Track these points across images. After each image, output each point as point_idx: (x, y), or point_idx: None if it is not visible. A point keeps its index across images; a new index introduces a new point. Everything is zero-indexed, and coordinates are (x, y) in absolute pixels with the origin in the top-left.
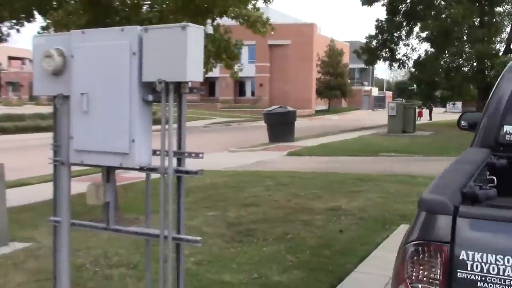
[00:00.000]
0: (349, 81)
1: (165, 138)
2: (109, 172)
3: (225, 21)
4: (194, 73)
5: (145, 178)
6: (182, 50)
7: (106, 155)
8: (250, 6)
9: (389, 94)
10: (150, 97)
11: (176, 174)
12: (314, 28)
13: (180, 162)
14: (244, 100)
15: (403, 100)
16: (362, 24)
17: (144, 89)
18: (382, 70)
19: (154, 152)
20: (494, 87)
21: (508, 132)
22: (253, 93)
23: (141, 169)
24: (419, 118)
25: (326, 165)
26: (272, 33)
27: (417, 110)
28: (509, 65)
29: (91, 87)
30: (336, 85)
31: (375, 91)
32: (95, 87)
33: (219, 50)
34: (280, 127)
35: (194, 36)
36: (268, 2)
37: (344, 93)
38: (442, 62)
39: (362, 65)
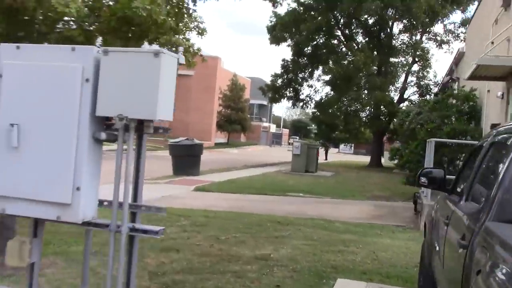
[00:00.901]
0: (249, 116)
1: (119, 187)
2: (37, 225)
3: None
4: (166, 110)
5: (84, 235)
6: (153, 81)
7: (38, 204)
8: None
9: (285, 131)
10: (103, 135)
11: (130, 233)
12: (218, 62)
13: (135, 217)
14: None
15: (299, 138)
16: (263, 61)
17: (96, 125)
18: (279, 108)
19: (101, 203)
20: (509, 159)
21: None
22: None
23: (85, 224)
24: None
25: (237, 203)
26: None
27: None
28: None
29: (25, 117)
30: (236, 119)
31: (273, 128)
32: (30, 118)
33: None
34: (186, 160)
35: (168, 65)
36: (203, 35)
37: (244, 127)
38: (342, 105)
39: (262, 101)
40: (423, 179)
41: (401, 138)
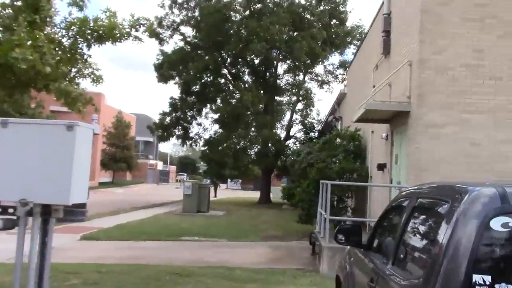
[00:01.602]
0: (135, 153)
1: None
2: None
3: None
4: (81, 190)
5: None
6: (66, 159)
7: None
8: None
9: (172, 168)
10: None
11: None
12: (101, 98)
13: None
14: None
15: (186, 175)
16: (149, 98)
17: None
18: (165, 144)
19: None
20: (450, 229)
21: (477, 282)
22: None
23: None
24: None
25: (132, 253)
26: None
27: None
28: (461, 210)
29: None
30: (122, 158)
31: (160, 165)
32: None
33: None
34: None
35: (84, 138)
36: (98, 83)
37: (130, 166)
38: (231, 143)
39: (147, 138)
40: (340, 236)
41: (293, 177)
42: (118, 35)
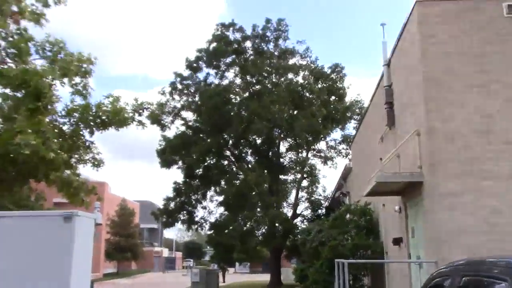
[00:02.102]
0: (139, 241)
1: None
2: None
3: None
4: None
5: None
6: (63, 255)
7: None
8: (68, 171)
9: (178, 254)
10: None
11: None
12: (105, 187)
13: None
14: None
15: (193, 261)
16: (152, 185)
17: None
18: (170, 230)
19: None
20: None
21: None
22: None
23: None
24: None
25: None
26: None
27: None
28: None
29: None
30: (126, 246)
31: (165, 252)
32: None
33: None
34: None
35: (84, 230)
36: (99, 167)
37: (135, 254)
38: (237, 225)
39: (152, 225)
40: None
41: (304, 257)
42: (122, 120)
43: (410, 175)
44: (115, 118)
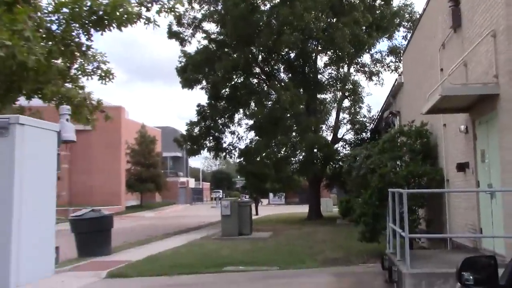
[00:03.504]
0: (162, 171)
1: None
2: None
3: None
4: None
5: None
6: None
7: None
8: (71, 84)
9: (206, 185)
10: None
11: None
12: (121, 112)
13: None
14: None
15: (222, 192)
16: (174, 109)
17: None
18: (196, 158)
19: None
20: None
21: None
22: None
23: None
24: None
25: None
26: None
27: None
28: None
29: None
30: (148, 177)
31: (191, 183)
32: None
33: None
34: (93, 236)
35: (37, 148)
36: (109, 79)
37: (158, 186)
38: (270, 152)
39: (176, 153)
40: (467, 275)
41: (350, 186)
42: (125, 16)
43: (484, 86)
44: (115, 13)
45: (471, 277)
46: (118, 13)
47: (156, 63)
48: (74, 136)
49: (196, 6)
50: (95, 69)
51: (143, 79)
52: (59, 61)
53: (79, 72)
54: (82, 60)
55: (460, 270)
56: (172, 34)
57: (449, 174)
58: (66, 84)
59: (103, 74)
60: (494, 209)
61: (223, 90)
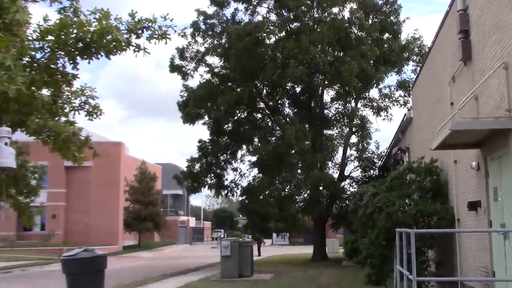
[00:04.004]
0: (162, 210)
1: None
2: None
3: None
4: None
5: None
6: None
7: None
8: (62, 118)
9: (207, 224)
10: None
11: None
12: (121, 148)
13: None
14: (31, 236)
15: (224, 232)
16: (175, 145)
17: None
18: (197, 196)
19: None
20: None
21: None
22: (43, 227)
23: None
24: None
25: None
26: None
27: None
28: None
29: None
30: (147, 216)
31: (192, 222)
32: None
33: (7, 181)
34: (85, 277)
35: None
36: (96, 116)
37: (157, 224)
38: (274, 190)
39: (176, 191)
40: None
41: (356, 226)
42: (114, 44)
43: (496, 120)
44: (102, 40)
45: None
46: (105, 40)
47: (158, 98)
48: (13, 163)
49: (199, 39)
50: (82, 104)
51: (145, 114)
52: (44, 92)
53: (66, 106)
54: (68, 94)
55: None
56: (174, 68)
57: (460, 213)
58: (56, 118)
59: (90, 110)
60: (508, 250)
61: (226, 126)
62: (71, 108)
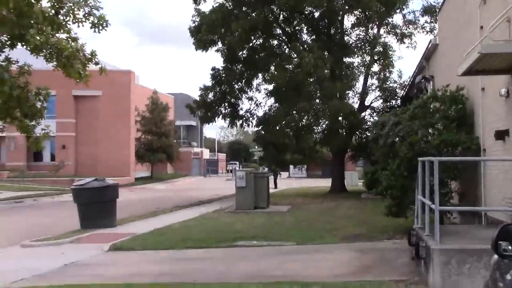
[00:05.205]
0: (175, 141)
1: None
2: None
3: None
4: None
5: None
6: None
7: None
8: (64, 35)
9: (221, 156)
10: None
11: None
12: (132, 77)
13: None
14: (42, 166)
15: (239, 164)
16: (188, 74)
17: None
18: (211, 128)
19: None
20: None
21: None
22: (53, 158)
23: None
24: None
25: (173, 266)
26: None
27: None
28: None
29: None
30: (160, 147)
31: (206, 153)
32: None
33: (9, 102)
34: (97, 207)
35: None
36: (102, 27)
37: (170, 156)
38: (291, 120)
39: (190, 122)
40: (505, 245)
41: (376, 156)
42: None
43: None
44: None
45: (509, 247)
46: None
47: (169, 25)
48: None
49: None
50: (86, 15)
51: (155, 42)
52: (44, 3)
53: (68, 18)
54: (71, 4)
55: (497, 240)
56: None
57: (486, 143)
58: (58, 35)
59: (95, 21)
60: None
61: (240, 53)
62: (74, 21)
